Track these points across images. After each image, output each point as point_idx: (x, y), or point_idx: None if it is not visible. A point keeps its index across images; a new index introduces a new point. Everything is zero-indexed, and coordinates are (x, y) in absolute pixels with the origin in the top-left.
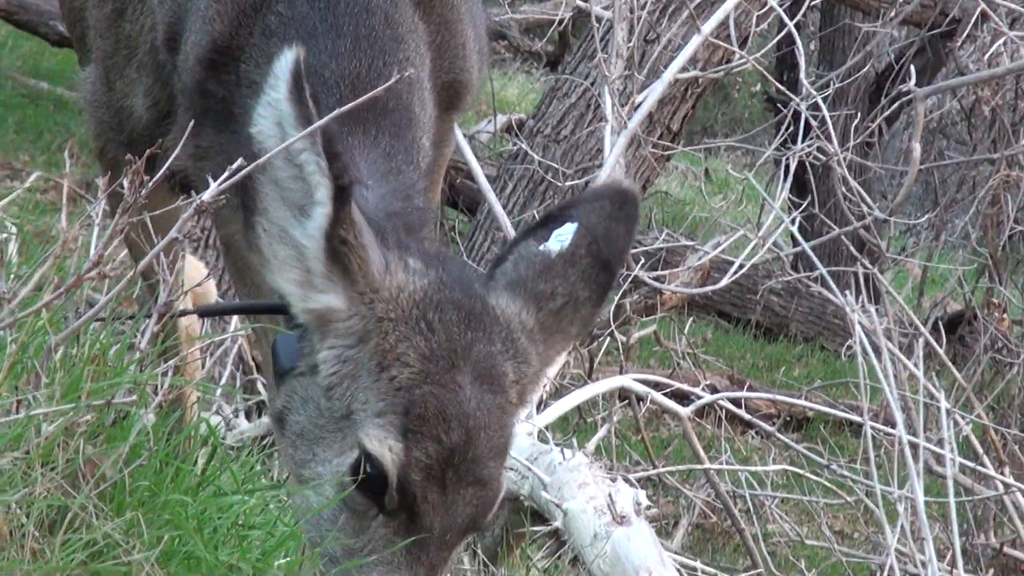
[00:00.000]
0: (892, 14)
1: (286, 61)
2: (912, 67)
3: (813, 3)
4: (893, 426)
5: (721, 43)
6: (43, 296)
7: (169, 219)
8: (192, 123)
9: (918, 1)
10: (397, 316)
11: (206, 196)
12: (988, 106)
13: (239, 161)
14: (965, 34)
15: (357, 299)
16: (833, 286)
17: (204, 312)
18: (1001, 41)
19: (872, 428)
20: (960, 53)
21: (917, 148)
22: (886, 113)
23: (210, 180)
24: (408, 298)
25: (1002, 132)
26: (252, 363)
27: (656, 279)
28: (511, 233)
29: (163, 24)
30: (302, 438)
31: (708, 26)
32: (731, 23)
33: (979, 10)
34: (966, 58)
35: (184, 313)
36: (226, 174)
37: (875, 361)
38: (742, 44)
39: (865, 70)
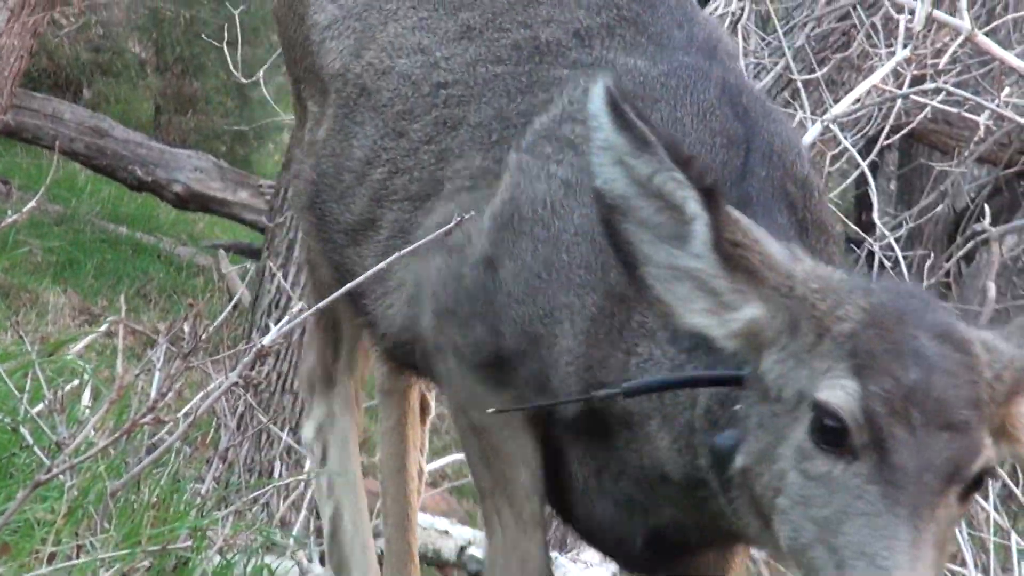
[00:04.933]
0: (967, 153)
1: (597, 97)
2: (987, 207)
3: (887, 143)
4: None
5: None
6: (98, 441)
7: None
8: None
9: (993, 140)
10: (822, 287)
11: (266, 340)
12: None
13: (300, 304)
14: None
15: (774, 295)
16: None
17: (629, 391)
18: None
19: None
20: None
21: (992, 288)
22: (961, 252)
23: (271, 326)
24: (828, 274)
25: None
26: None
27: None
28: None
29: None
30: (764, 458)
31: None
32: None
33: None
34: None
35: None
36: (286, 318)
37: None
38: None
39: (939, 209)
